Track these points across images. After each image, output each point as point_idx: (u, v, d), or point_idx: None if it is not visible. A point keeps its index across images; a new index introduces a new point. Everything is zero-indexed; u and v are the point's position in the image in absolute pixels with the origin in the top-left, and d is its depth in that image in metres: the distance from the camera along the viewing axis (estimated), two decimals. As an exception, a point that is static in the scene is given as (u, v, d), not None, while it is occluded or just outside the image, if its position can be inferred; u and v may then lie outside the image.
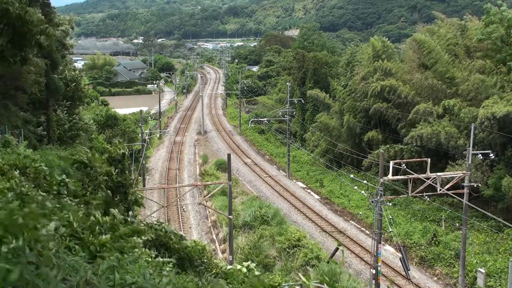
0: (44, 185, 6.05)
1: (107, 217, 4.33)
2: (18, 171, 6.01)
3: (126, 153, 6.59)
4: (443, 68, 40.05)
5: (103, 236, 3.58)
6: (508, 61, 37.80)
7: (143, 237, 5.11)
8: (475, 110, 35.12)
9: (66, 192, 5.86)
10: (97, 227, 3.86)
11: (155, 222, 7.46)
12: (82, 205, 5.65)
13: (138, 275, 2.94)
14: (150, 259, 4.32)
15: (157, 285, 3.03)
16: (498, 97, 34.87)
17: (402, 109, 41.70)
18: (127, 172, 6.49)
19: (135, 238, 4.28)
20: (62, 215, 3.50)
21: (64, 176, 6.36)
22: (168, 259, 4.88)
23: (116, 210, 4.93)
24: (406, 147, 39.35)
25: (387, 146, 40.71)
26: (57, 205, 3.76)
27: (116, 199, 6.24)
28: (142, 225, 6.65)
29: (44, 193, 4.86)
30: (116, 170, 6.43)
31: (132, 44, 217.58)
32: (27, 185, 4.43)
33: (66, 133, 31.24)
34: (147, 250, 4.87)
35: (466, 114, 35.86)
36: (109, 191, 6.31)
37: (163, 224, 7.30)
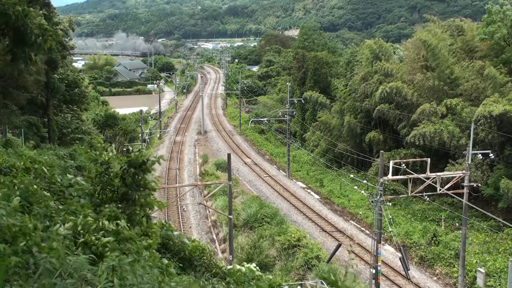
0: (45, 184, 6.09)
1: (114, 222, 4.36)
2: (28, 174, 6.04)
3: (150, 163, 6.53)
4: (448, 69, 40.00)
5: (106, 238, 3.61)
6: None
7: (149, 241, 5.14)
8: (476, 110, 35.12)
9: (73, 193, 5.88)
10: (102, 230, 3.88)
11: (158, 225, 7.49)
12: (91, 207, 5.68)
13: (138, 276, 2.98)
14: (153, 261, 4.35)
15: (157, 285, 3.06)
16: (499, 96, 34.85)
17: (404, 109, 41.74)
18: (140, 179, 6.43)
19: (140, 242, 4.31)
20: (67, 216, 3.53)
21: (71, 177, 6.38)
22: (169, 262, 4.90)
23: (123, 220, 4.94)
24: (409, 151, 39.39)
25: (392, 152, 40.70)
26: (60, 206, 3.80)
27: (121, 204, 6.23)
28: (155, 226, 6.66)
29: (48, 194, 4.90)
30: (131, 175, 6.39)
31: (165, 46, 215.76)
32: (35, 186, 4.46)
33: (68, 135, 31.39)
34: (154, 252, 4.89)
35: (468, 114, 35.87)
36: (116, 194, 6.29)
37: (164, 227, 7.33)
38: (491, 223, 31.01)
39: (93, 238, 3.57)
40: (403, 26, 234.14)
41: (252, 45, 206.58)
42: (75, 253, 3.25)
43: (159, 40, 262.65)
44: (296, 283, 23.14)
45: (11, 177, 5.00)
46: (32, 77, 24.82)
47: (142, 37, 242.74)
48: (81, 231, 3.62)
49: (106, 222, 4.13)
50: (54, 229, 3.05)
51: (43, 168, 6.69)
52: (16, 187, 4.27)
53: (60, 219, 3.51)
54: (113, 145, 7.26)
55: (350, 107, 48.92)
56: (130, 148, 6.73)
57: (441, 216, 34.13)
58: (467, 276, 25.71)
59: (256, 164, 51.34)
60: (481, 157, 28.33)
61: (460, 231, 26.20)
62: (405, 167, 24.63)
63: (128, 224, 4.83)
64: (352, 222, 35.30)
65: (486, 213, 25.31)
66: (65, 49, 31.85)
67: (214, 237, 33.96)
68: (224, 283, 6.29)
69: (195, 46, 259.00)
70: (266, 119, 58.44)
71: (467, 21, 48.53)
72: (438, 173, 25.17)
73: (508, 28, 38.40)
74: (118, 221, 4.49)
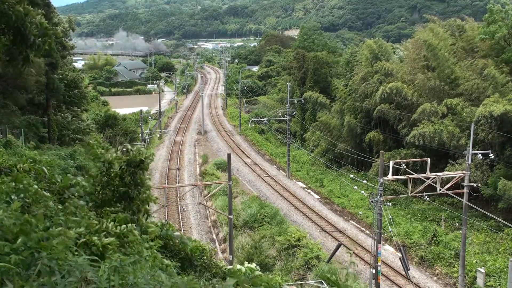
0: (45, 185, 6.08)
1: (122, 226, 4.36)
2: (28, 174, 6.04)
3: (148, 161, 6.55)
4: (448, 69, 39.99)
5: (108, 239, 3.61)
6: None
7: (152, 243, 5.15)
8: (477, 110, 35.11)
9: (75, 194, 5.88)
10: (103, 232, 3.88)
11: (157, 225, 7.49)
12: (91, 208, 5.67)
13: (139, 276, 2.97)
14: (154, 261, 4.35)
15: (157, 285, 3.06)
16: (499, 96, 34.84)
17: (404, 109, 41.74)
18: (138, 178, 6.45)
19: (142, 244, 4.31)
20: (68, 217, 3.53)
21: (72, 177, 6.38)
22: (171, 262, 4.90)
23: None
24: (409, 151, 39.39)
25: (392, 152, 40.72)
26: (59, 207, 3.79)
27: (121, 204, 6.24)
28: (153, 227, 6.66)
29: (48, 194, 4.89)
30: (130, 174, 6.40)
31: (166, 45, 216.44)
32: (35, 186, 4.45)
33: (68, 135, 31.40)
34: (155, 251, 4.90)
35: (468, 114, 35.87)
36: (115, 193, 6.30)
37: (165, 227, 7.33)
38: (491, 223, 31.00)
39: (94, 238, 3.57)
40: (403, 26, 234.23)
41: (252, 45, 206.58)
42: (76, 253, 3.25)
43: (159, 40, 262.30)
44: (296, 283, 23.14)
45: (11, 177, 4.99)
46: (32, 78, 24.84)
47: (142, 37, 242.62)
48: (83, 232, 3.62)
49: (110, 225, 4.14)
50: (56, 230, 3.05)
51: (43, 168, 6.69)
52: (16, 188, 4.27)
53: (62, 220, 3.51)
54: (117, 146, 7.32)
55: (350, 107, 48.92)
56: (130, 148, 6.74)
57: (441, 216, 34.12)
58: (467, 276, 25.71)
59: (256, 164, 51.33)
60: (481, 157, 28.32)
61: (460, 231, 26.20)
62: (405, 167, 24.62)
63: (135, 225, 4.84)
64: (352, 222, 35.29)
65: (486, 213, 25.30)
66: (65, 49, 31.89)
67: (214, 237, 33.96)
68: (224, 283, 6.30)
69: (195, 46, 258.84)
70: (266, 119, 58.43)
71: (469, 20, 48.44)
72: (438, 173, 25.16)
73: (509, 28, 38.37)
74: (128, 225, 4.50)
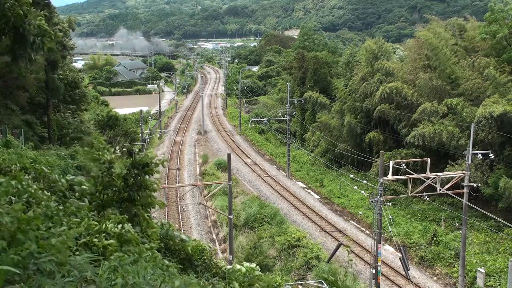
0: (46, 185, 6.09)
1: (119, 226, 4.37)
2: (27, 174, 6.04)
3: (153, 165, 6.56)
4: (449, 69, 39.97)
5: (108, 241, 3.61)
6: None
7: (152, 244, 5.15)
8: (477, 110, 35.11)
9: (74, 195, 5.88)
10: (104, 233, 3.88)
11: (158, 224, 7.49)
12: (93, 207, 5.67)
13: (139, 276, 2.98)
14: (155, 261, 4.36)
15: (157, 285, 3.06)
16: (498, 96, 34.83)
17: (404, 109, 41.71)
18: (142, 180, 6.46)
19: (143, 244, 4.32)
20: (69, 218, 3.54)
21: (73, 177, 6.38)
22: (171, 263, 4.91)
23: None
24: (410, 151, 39.39)
25: (392, 152, 40.71)
26: (60, 207, 3.80)
27: (123, 205, 6.25)
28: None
29: (48, 194, 4.90)
30: (133, 176, 6.41)
31: (168, 45, 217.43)
32: (34, 187, 4.46)
33: (68, 135, 31.38)
34: (155, 251, 4.90)
35: (469, 114, 35.85)
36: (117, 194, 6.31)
37: (165, 227, 7.34)
38: (491, 223, 31.00)
39: (95, 239, 3.58)
40: (403, 26, 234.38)
41: (252, 45, 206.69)
42: (76, 253, 3.25)
43: (160, 39, 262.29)
44: (296, 283, 23.14)
45: (9, 177, 5.00)
46: (32, 77, 24.83)
47: (143, 36, 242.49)
48: (83, 233, 3.63)
49: (110, 226, 4.14)
50: (58, 230, 3.06)
51: (43, 167, 6.69)
52: (15, 188, 4.27)
53: (65, 221, 3.51)
54: (117, 147, 7.35)
55: (350, 107, 48.92)
56: (136, 149, 6.75)
57: (441, 216, 34.12)
58: (467, 276, 25.71)
59: (256, 164, 51.33)
60: (481, 157, 28.32)
61: (460, 231, 26.20)
62: (405, 167, 24.62)
63: (131, 225, 4.85)
64: (352, 222, 35.29)
65: (486, 213, 25.29)
66: (65, 49, 31.89)
67: (214, 237, 33.96)
68: (224, 283, 6.30)
69: (195, 46, 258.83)
70: (266, 119, 58.45)
71: (471, 19, 48.40)
72: (438, 173, 25.14)
73: (510, 27, 38.32)
74: (124, 225, 4.51)
